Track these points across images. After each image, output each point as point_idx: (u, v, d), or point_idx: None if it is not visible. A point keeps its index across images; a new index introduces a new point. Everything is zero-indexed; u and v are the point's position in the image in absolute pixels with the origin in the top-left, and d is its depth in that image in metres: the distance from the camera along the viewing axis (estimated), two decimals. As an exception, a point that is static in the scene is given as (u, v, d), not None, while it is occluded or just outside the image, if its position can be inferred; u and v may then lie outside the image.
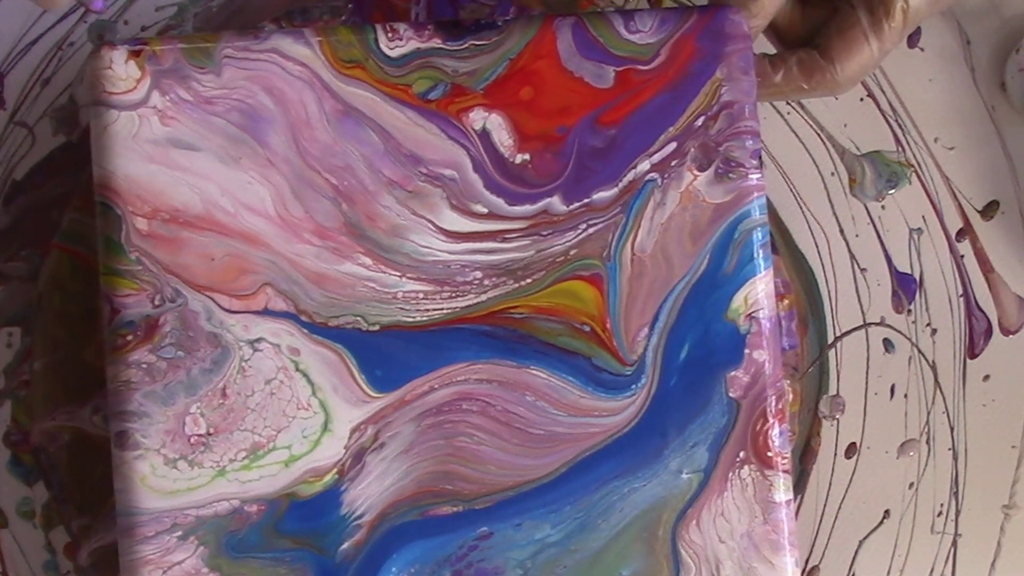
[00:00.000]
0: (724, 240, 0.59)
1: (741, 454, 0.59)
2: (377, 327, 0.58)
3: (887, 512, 0.73)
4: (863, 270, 0.74)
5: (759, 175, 0.60)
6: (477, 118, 0.58)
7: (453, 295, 0.58)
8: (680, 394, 0.59)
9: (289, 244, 0.57)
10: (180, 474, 0.56)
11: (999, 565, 0.74)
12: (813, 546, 0.73)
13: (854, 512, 0.73)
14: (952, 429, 0.74)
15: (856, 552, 0.73)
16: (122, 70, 0.56)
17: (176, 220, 0.56)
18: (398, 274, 0.58)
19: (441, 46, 0.58)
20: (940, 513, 0.74)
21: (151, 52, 0.57)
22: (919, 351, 0.74)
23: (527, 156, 0.59)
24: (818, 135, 0.74)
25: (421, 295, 0.58)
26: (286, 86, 0.57)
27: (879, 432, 0.74)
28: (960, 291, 0.74)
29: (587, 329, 0.59)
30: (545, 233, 0.59)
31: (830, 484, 0.74)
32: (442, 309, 0.58)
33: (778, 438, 0.59)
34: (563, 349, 0.59)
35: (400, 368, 0.58)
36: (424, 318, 0.58)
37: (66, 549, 0.69)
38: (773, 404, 0.59)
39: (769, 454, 0.59)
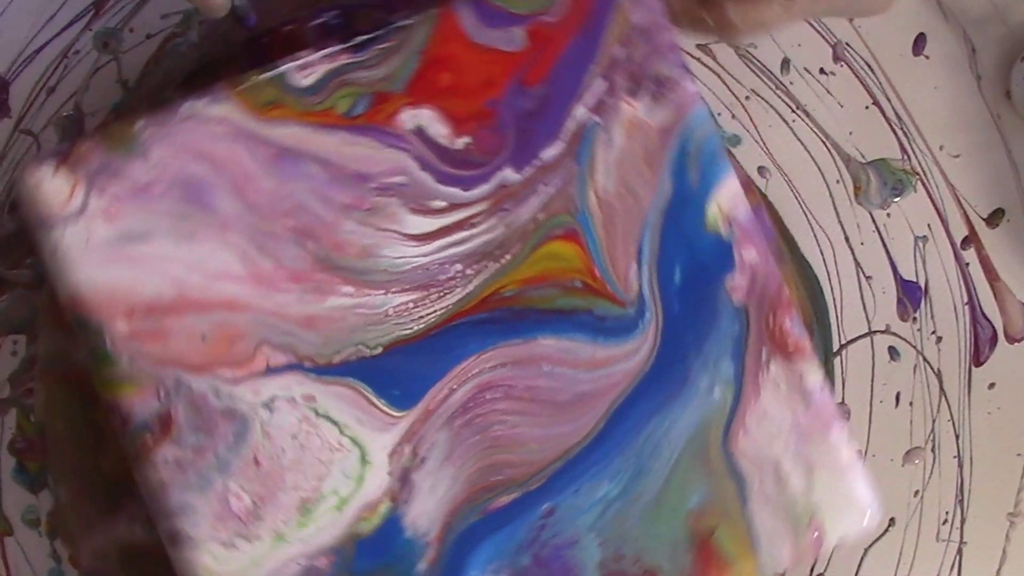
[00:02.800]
0: (679, 156, 0.61)
1: (764, 353, 0.61)
2: (380, 349, 0.59)
3: (892, 520, 0.75)
4: (868, 278, 0.76)
5: (692, 86, 0.61)
6: (407, 119, 0.60)
7: (441, 295, 0.59)
8: (687, 316, 0.61)
9: (269, 298, 0.58)
10: (241, 553, 0.57)
11: (1004, 573, 0.75)
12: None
13: None
14: (957, 437, 0.76)
15: (861, 560, 0.75)
16: (53, 186, 0.57)
17: (154, 311, 0.57)
18: (382, 292, 0.59)
19: (351, 61, 0.59)
20: (945, 521, 0.75)
21: (75, 158, 0.57)
22: (924, 359, 0.76)
23: (467, 139, 0.60)
24: (823, 143, 0.75)
25: (411, 304, 0.59)
26: (215, 147, 0.58)
27: (884, 440, 0.75)
28: (965, 299, 0.76)
29: (579, 284, 0.60)
30: (508, 206, 0.60)
31: None
32: (435, 311, 0.59)
33: (793, 326, 0.61)
34: (562, 311, 0.60)
35: (414, 381, 0.59)
36: (421, 326, 0.59)
37: (71, 557, 0.70)
38: (778, 296, 0.61)
39: (789, 345, 0.61)
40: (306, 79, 0.59)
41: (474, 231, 0.60)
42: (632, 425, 0.60)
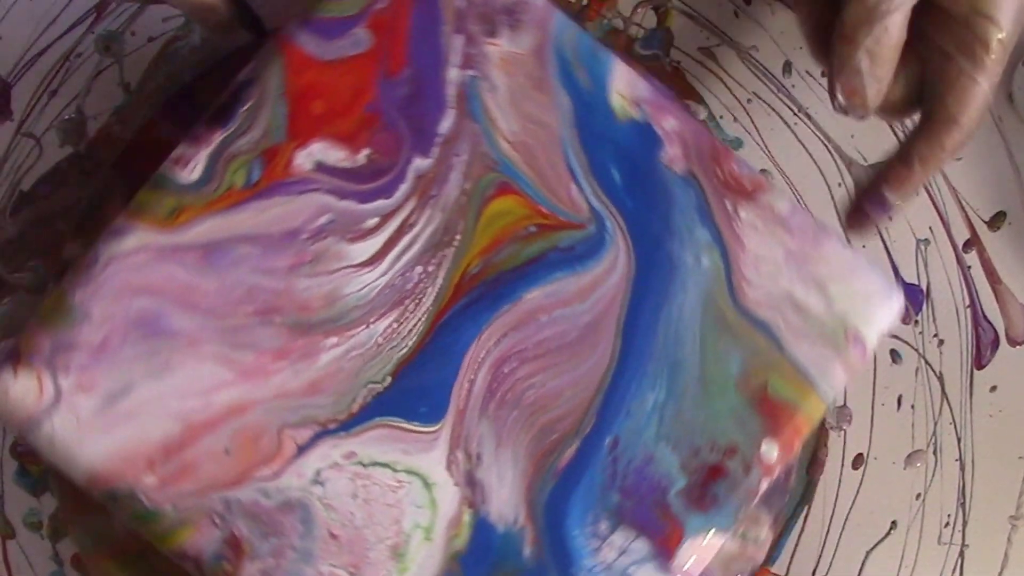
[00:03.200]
0: (562, 68, 0.61)
1: (728, 204, 0.61)
2: (389, 379, 0.59)
3: (894, 523, 0.75)
4: None
5: (539, 0, 0.62)
6: (303, 161, 0.59)
7: (417, 302, 0.59)
8: (644, 207, 0.61)
9: (266, 386, 0.58)
10: (364, 620, 0.58)
11: None
12: (820, 557, 0.75)
13: (861, 523, 0.75)
14: (959, 440, 0.76)
15: (863, 563, 0.75)
16: (20, 389, 0.57)
17: (171, 452, 0.57)
18: (363, 327, 0.59)
19: (224, 135, 0.59)
20: (947, 524, 0.75)
21: (26, 353, 0.57)
22: (926, 362, 0.76)
23: (366, 150, 0.60)
24: (825, 146, 0.75)
25: (395, 325, 0.59)
26: (146, 277, 0.58)
27: (886, 443, 0.76)
28: (967, 302, 0.76)
29: (533, 229, 0.60)
30: (433, 192, 0.60)
31: (837, 495, 0.76)
32: (419, 320, 0.59)
33: (741, 167, 0.61)
34: (531, 260, 0.60)
35: (434, 391, 0.59)
36: (414, 339, 0.59)
37: (73, 560, 0.71)
38: (713, 147, 0.61)
39: (747, 185, 0.61)
40: (192, 173, 0.59)
41: (416, 229, 0.60)
42: (645, 328, 0.60)
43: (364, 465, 0.58)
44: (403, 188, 0.60)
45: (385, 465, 0.58)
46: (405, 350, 0.59)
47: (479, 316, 0.60)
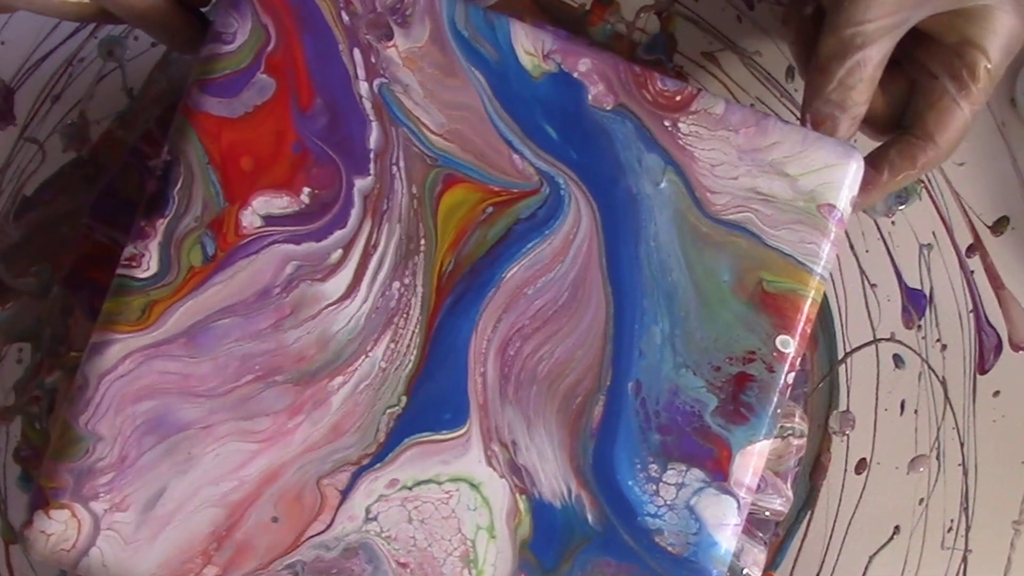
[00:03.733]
0: (463, 46, 0.61)
1: (666, 122, 0.61)
2: (404, 399, 0.59)
3: (897, 528, 0.76)
4: (873, 286, 0.76)
5: None
6: (250, 220, 0.59)
7: (405, 316, 0.60)
8: (588, 154, 0.61)
9: (290, 444, 0.58)
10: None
11: (1010, 579, 0.77)
12: (823, 562, 0.76)
13: (864, 528, 0.76)
14: (962, 445, 0.76)
15: (866, 568, 0.76)
16: (58, 531, 0.57)
17: (222, 539, 0.57)
18: (362, 357, 0.59)
19: (167, 221, 0.59)
20: (950, 529, 0.76)
21: (50, 492, 0.57)
22: (929, 367, 0.76)
23: (306, 189, 0.60)
24: None
25: (392, 345, 0.59)
26: (141, 382, 0.58)
27: (889, 448, 0.76)
28: (970, 306, 0.76)
29: (491, 210, 0.61)
30: (384, 207, 0.60)
31: (840, 500, 0.76)
32: (413, 332, 0.60)
33: (665, 82, 0.61)
34: (499, 240, 0.60)
35: (451, 395, 0.60)
36: (415, 352, 0.60)
37: None
38: (630, 72, 0.61)
39: (678, 98, 0.61)
40: (149, 268, 0.59)
41: (380, 248, 0.60)
42: (629, 267, 0.61)
43: (409, 488, 0.59)
44: (354, 213, 0.60)
45: (429, 481, 0.59)
46: (410, 366, 0.59)
47: (469, 310, 0.60)
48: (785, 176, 0.61)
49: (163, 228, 0.59)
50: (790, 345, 0.60)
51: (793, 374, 0.61)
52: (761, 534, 0.70)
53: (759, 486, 0.63)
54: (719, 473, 0.60)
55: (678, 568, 0.59)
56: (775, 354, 0.60)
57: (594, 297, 0.60)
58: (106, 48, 0.73)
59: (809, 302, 0.60)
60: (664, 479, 0.60)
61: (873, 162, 0.66)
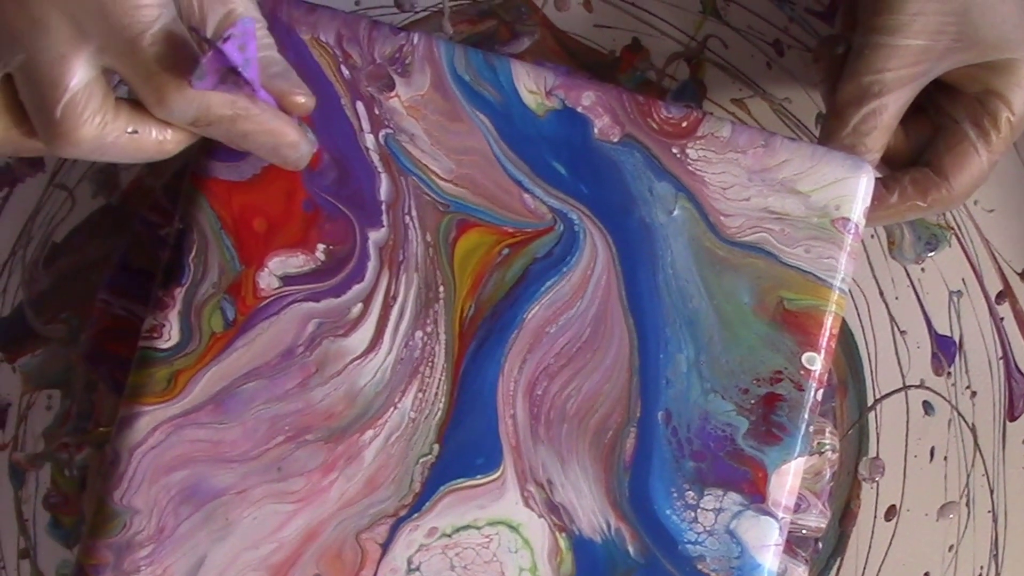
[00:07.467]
0: (464, 89, 0.63)
1: (674, 149, 0.63)
2: (436, 447, 0.61)
3: (927, 575, 0.77)
4: (903, 332, 0.77)
5: (416, 34, 0.63)
6: (268, 281, 0.61)
7: (430, 365, 0.61)
8: (600, 188, 0.63)
9: (327, 502, 0.60)
10: None
11: (1038, 625, 0.77)
12: None
13: (894, 575, 0.77)
14: (992, 491, 0.77)
15: None
16: None
17: (266, 602, 0.60)
18: (391, 409, 0.61)
19: (185, 288, 0.61)
20: (980, 575, 0.77)
21: (93, 568, 0.59)
22: (959, 413, 0.77)
23: (321, 245, 0.62)
24: None
25: (420, 394, 0.61)
26: (173, 451, 0.60)
27: (919, 494, 0.77)
28: (1000, 353, 0.78)
29: (507, 251, 0.62)
30: (400, 257, 0.62)
31: (870, 546, 0.77)
32: (440, 380, 0.61)
33: (669, 109, 0.63)
34: (517, 281, 0.62)
35: (482, 440, 0.61)
36: (443, 400, 0.61)
37: None
38: (634, 103, 0.63)
39: (684, 125, 0.63)
40: (171, 338, 0.61)
41: (400, 299, 0.62)
42: (648, 297, 0.62)
43: (448, 535, 0.60)
44: (371, 265, 0.62)
45: (468, 527, 0.60)
46: (440, 414, 0.61)
47: (494, 353, 0.62)
48: (797, 193, 0.63)
49: (181, 297, 0.61)
50: (816, 362, 0.62)
51: (822, 390, 0.62)
52: (802, 552, 0.71)
53: (797, 504, 0.64)
54: (756, 495, 0.61)
55: (724, 594, 0.61)
56: (802, 372, 0.62)
57: (616, 330, 0.62)
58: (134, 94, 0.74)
59: (831, 317, 0.62)
60: (702, 505, 0.61)
61: (886, 183, 0.67)
